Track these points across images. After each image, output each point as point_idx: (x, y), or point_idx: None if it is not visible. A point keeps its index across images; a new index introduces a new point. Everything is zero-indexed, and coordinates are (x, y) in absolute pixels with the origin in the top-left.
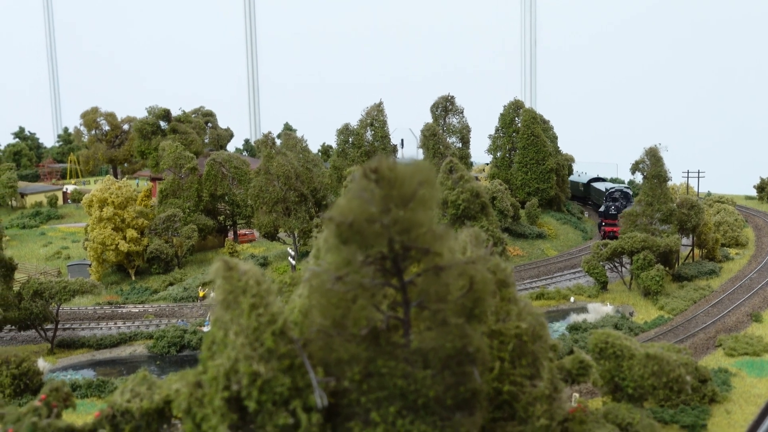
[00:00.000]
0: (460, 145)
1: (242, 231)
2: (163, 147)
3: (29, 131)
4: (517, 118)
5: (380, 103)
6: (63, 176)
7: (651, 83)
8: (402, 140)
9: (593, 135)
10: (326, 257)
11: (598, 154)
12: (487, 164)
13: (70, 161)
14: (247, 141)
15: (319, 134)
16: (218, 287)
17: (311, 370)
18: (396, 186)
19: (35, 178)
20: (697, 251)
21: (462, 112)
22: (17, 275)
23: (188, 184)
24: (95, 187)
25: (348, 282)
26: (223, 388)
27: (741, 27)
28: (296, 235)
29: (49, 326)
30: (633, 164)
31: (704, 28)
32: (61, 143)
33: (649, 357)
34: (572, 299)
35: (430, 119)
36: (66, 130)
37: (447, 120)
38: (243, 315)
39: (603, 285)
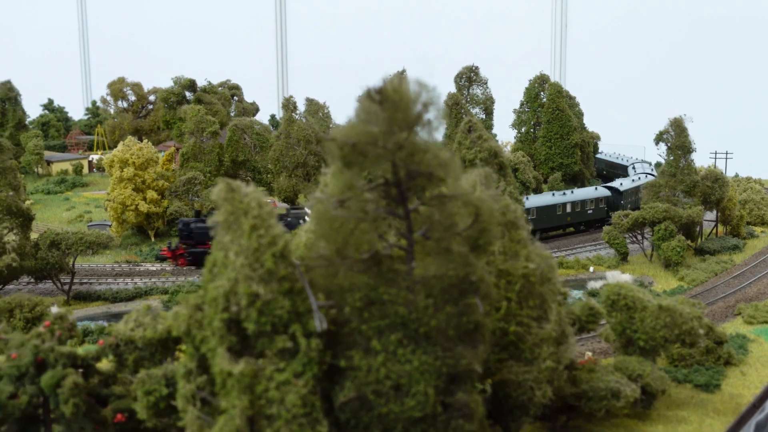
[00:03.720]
0: (483, 116)
1: None
2: (185, 110)
3: (58, 104)
4: (542, 93)
5: (403, 71)
6: (90, 148)
7: (680, 66)
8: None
9: (622, 117)
10: (330, 183)
11: (626, 136)
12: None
13: (97, 133)
14: (273, 116)
15: (345, 111)
16: (220, 208)
17: (311, 294)
18: (401, 108)
19: (62, 149)
20: (721, 227)
21: (486, 83)
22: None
23: (209, 148)
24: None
25: (350, 207)
26: (222, 309)
27: None
28: None
29: (66, 278)
30: (657, 134)
31: (736, 8)
32: (89, 116)
33: (661, 309)
34: (591, 269)
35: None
36: (94, 103)
37: (471, 90)
38: (243, 236)
39: (623, 256)
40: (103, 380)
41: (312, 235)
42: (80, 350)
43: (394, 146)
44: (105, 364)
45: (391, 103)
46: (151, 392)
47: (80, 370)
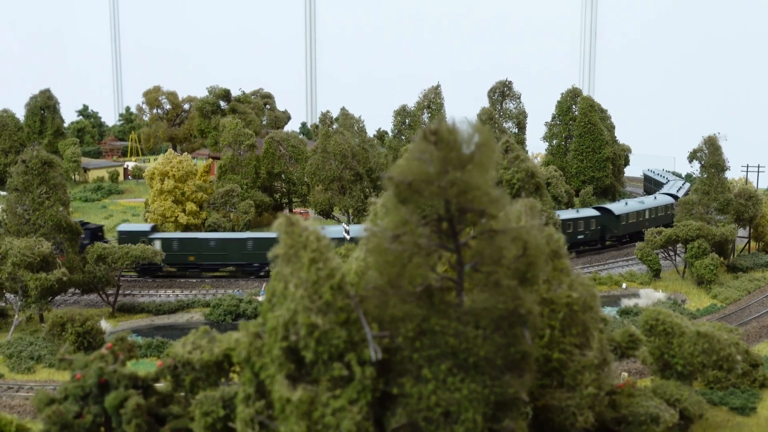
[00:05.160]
0: (516, 130)
1: (297, 209)
2: (224, 124)
3: (92, 110)
4: (574, 106)
5: (437, 86)
6: (124, 154)
7: (710, 75)
8: None
9: (651, 127)
10: (384, 218)
11: (655, 146)
12: (543, 153)
13: (131, 139)
14: (303, 124)
15: (374, 122)
16: (280, 242)
17: (366, 325)
18: (455, 148)
19: (97, 154)
20: (753, 244)
21: (519, 98)
22: None
23: (246, 160)
24: (157, 160)
25: (405, 241)
26: (281, 338)
27: None
28: (350, 214)
29: (111, 291)
30: (691, 153)
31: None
32: (122, 122)
33: (699, 335)
34: (624, 285)
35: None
36: (128, 109)
37: (504, 105)
38: (303, 268)
39: (656, 272)
40: (161, 399)
41: (362, 263)
42: (137, 369)
43: (447, 184)
44: (161, 383)
45: (445, 143)
46: (209, 413)
47: (139, 390)
